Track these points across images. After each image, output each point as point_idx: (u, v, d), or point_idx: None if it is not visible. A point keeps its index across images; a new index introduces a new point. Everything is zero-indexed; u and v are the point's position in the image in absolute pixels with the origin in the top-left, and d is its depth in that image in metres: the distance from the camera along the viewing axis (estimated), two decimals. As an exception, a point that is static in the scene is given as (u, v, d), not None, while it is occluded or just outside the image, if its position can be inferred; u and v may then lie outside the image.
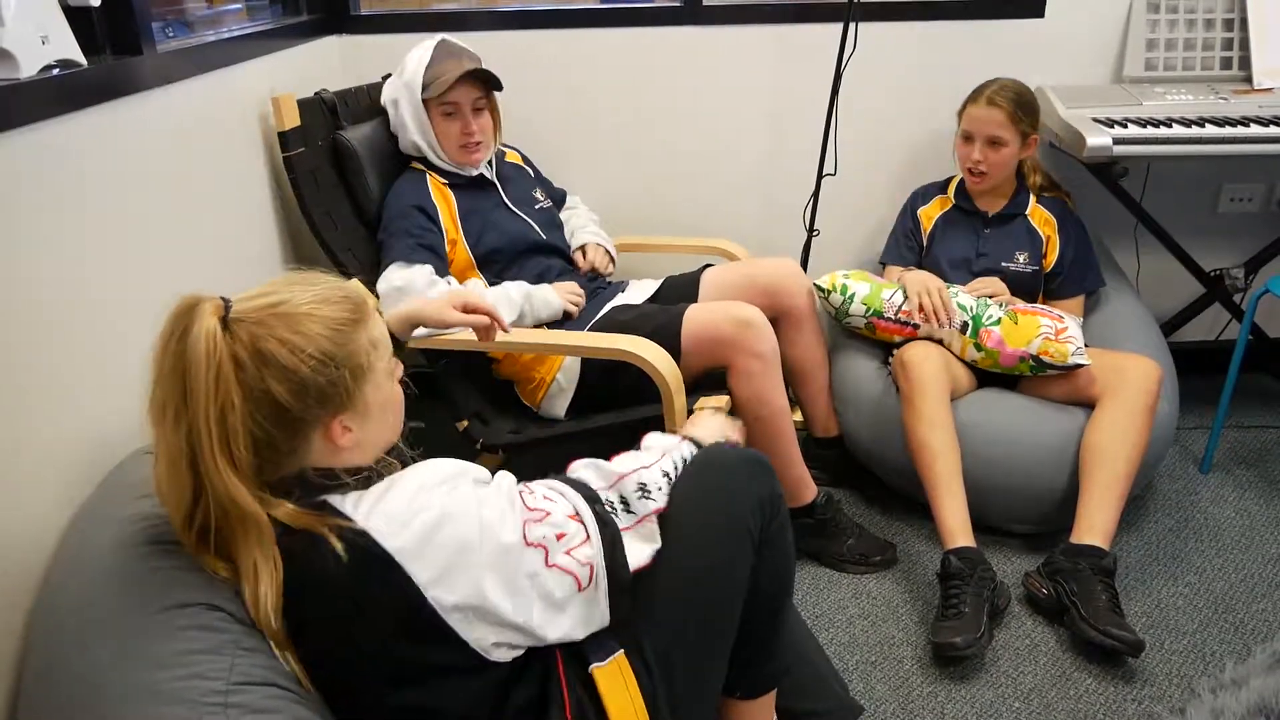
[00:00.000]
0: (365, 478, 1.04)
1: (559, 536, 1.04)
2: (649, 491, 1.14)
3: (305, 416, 0.99)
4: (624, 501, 1.13)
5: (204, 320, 0.94)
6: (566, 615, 1.06)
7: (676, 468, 1.20)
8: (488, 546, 0.99)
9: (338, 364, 1.00)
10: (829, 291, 2.17)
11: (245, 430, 0.96)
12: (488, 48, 2.05)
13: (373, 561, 0.96)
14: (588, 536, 1.06)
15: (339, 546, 0.95)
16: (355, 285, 1.08)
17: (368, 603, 0.97)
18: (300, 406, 0.98)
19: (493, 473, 1.11)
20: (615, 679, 1.09)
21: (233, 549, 0.98)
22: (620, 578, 1.08)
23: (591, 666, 1.10)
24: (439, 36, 2.02)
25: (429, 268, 1.87)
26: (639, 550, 1.11)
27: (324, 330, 0.99)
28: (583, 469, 1.16)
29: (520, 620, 1.02)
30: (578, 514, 1.07)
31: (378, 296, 1.86)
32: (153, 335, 1.34)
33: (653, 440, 1.25)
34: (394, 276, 1.84)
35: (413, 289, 1.82)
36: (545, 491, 1.09)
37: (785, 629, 1.33)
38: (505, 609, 1.00)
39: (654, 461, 1.18)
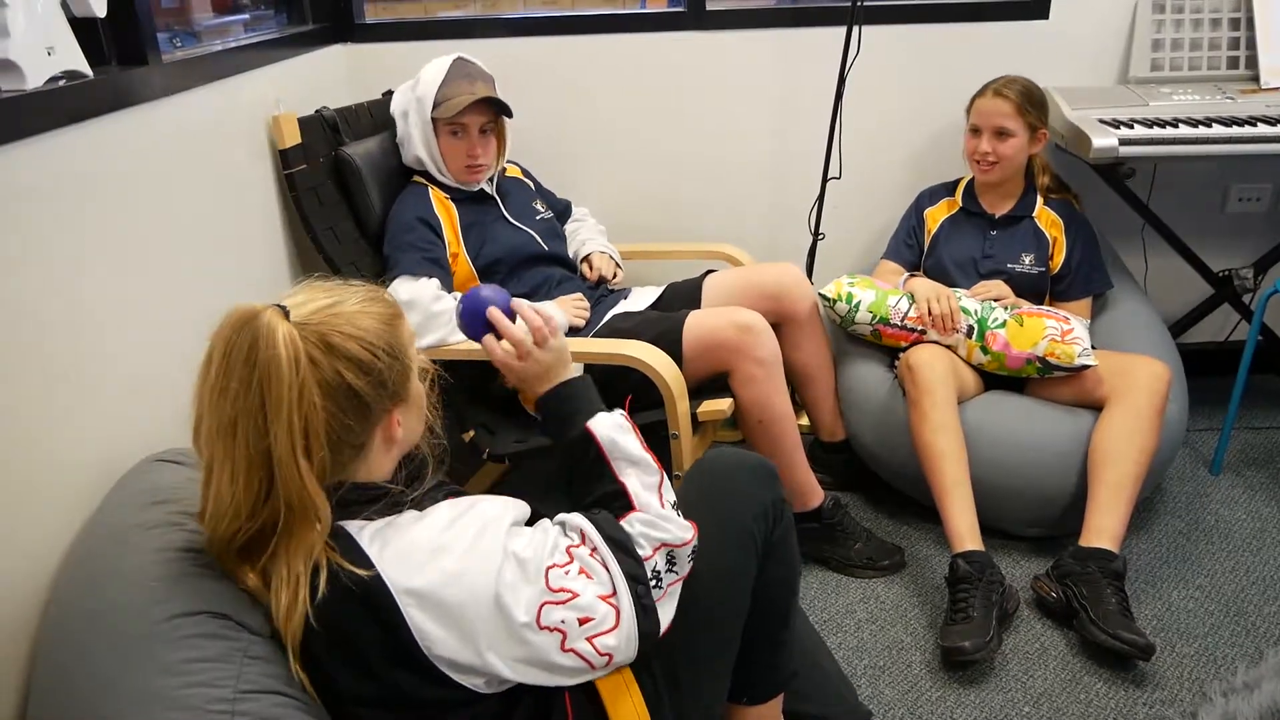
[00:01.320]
0: (396, 499, 1.04)
1: (582, 621, 1.00)
2: (695, 551, 1.11)
3: (376, 408, 1.01)
4: (670, 561, 1.08)
5: (279, 326, 0.94)
6: (566, 680, 1.04)
7: (674, 500, 1.14)
8: (496, 617, 0.97)
9: (399, 355, 1.03)
10: (834, 300, 2.17)
11: (326, 428, 0.97)
12: (491, 55, 2.06)
13: (368, 601, 0.95)
14: (616, 624, 1.02)
15: (323, 582, 0.95)
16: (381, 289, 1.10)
17: (358, 638, 0.97)
18: (375, 396, 1.00)
19: (499, 481, 1.10)
20: (618, 688, 1.09)
21: (280, 556, 0.96)
22: (643, 654, 1.06)
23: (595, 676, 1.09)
24: (455, 54, 2.02)
25: (435, 281, 1.87)
26: (668, 613, 1.08)
27: (380, 325, 1.02)
28: (639, 525, 1.07)
29: (515, 679, 1.01)
30: (614, 594, 1.02)
31: None
32: (157, 347, 1.36)
33: (630, 469, 1.12)
34: (400, 290, 1.84)
35: (419, 303, 1.83)
36: (585, 561, 1.03)
37: (791, 634, 1.33)
38: (502, 672, 0.99)
39: (680, 512, 1.12)
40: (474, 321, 1.20)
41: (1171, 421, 2.00)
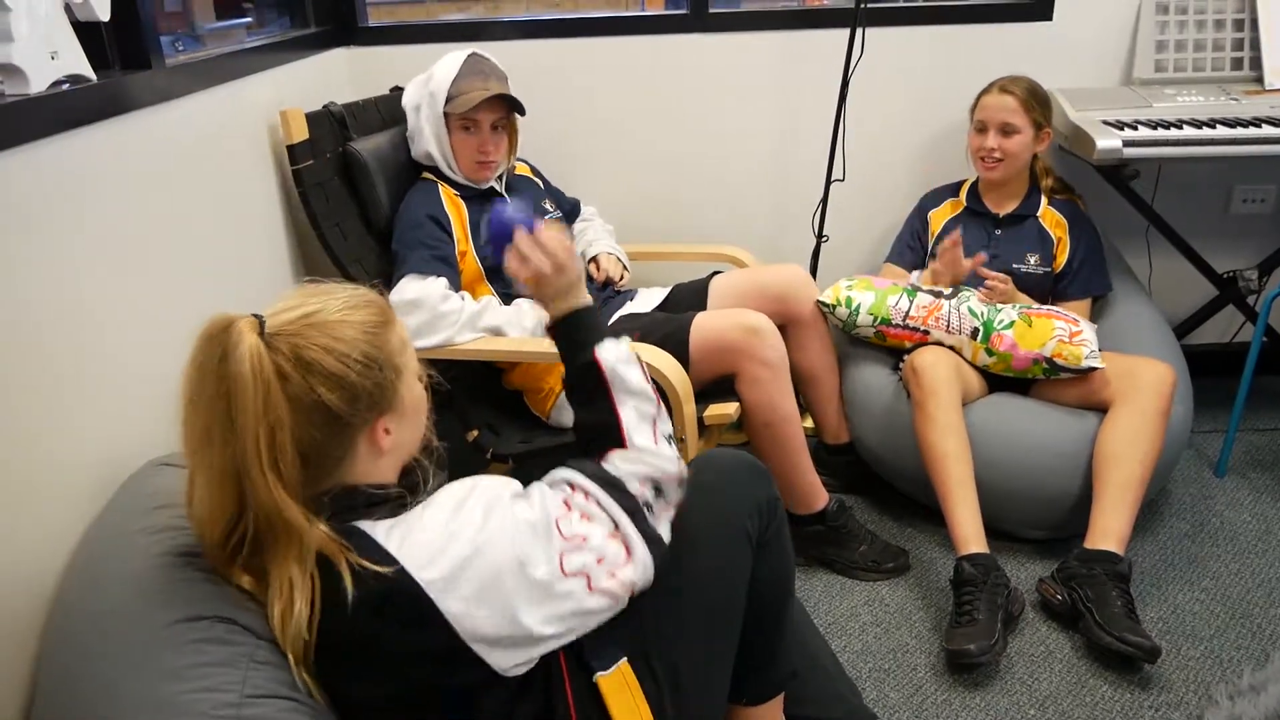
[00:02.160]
0: (400, 500, 1.04)
1: (599, 560, 1.03)
2: (683, 481, 1.14)
3: (354, 421, 1.00)
4: (658, 490, 1.11)
5: (246, 339, 0.93)
6: (598, 622, 1.06)
7: (670, 435, 1.17)
8: (522, 581, 0.99)
9: (380, 366, 1.01)
10: (834, 306, 2.15)
11: (295, 444, 0.96)
12: (495, 57, 2.05)
13: (396, 598, 0.95)
14: (629, 556, 1.05)
15: (349, 583, 0.95)
16: (373, 290, 1.08)
17: (385, 637, 0.97)
18: (350, 411, 0.99)
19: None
20: (620, 687, 1.09)
21: (270, 565, 0.97)
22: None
23: (596, 675, 1.09)
24: (470, 48, 2.01)
25: (444, 280, 1.87)
26: (666, 530, 1.12)
27: (360, 334, 1.00)
28: (620, 462, 1.11)
29: (550, 633, 1.02)
30: (618, 530, 1.06)
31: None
32: (160, 350, 1.36)
33: (629, 397, 1.15)
34: (408, 289, 1.84)
35: (426, 302, 1.82)
36: (584, 507, 1.06)
37: (788, 632, 1.33)
38: (540, 631, 1.00)
39: (670, 448, 1.14)
40: (500, 238, 1.23)
41: (1176, 423, 1.99)
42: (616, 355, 1.16)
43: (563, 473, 1.10)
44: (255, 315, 0.97)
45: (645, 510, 1.09)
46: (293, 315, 0.99)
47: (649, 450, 1.11)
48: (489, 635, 0.98)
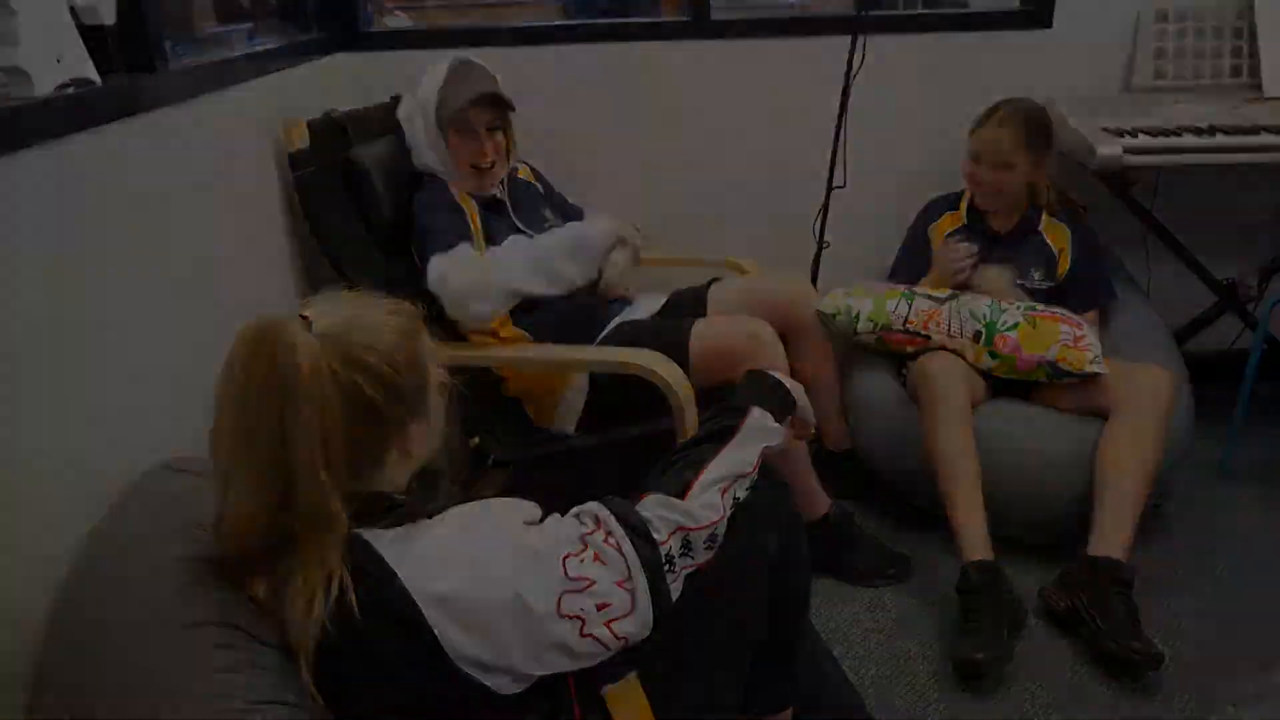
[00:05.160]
0: (406, 508, 1.04)
1: (600, 607, 1.00)
2: (715, 540, 1.11)
3: (393, 422, 1.02)
4: (686, 546, 1.07)
5: (301, 336, 0.95)
6: (585, 664, 1.05)
7: (738, 498, 1.15)
8: (516, 614, 0.97)
9: (417, 370, 1.04)
10: (835, 315, 2.13)
11: (345, 440, 0.97)
12: (498, 63, 2.05)
13: (389, 609, 0.95)
14: (632, 610, 1.02)
15: (347, 593, 0.94)
16: (407, 303, 1.09)
17: (376, 645, 0.97)
18: (393, 411, 1.01)
19: (504, 488, 1.10)
20: (627, 700, 1.08)
21: (298, 565, 0.96)
22: (652, 667, 1.09)
23: (604, 688, 1.08)
24: (452, 54, 2.01)
25: (466, 244, 1.88)
26: (676, 591, 1.08)
27: (400, 339, 1.03)
28: (655, 507, 1.07)
29: (536, 673, 1.01)
30: (629, 578, 1.02)
31: (432, 296, 1.88)
32: (165, 353, 1.36)
33: (737, 451, 1.16)
34: (439, 265, 1.85)
35: (461, 260, 1.84)
36: (599, 548, 1.02)
37: (803, 646, 1.32)
38: (525, 666, 1.00)
39: (727, 506, 1.12)
40: None
41: (1177, 429, 1.99)
42: (762, 426, 1.20)
43: (592, 506, 1.08)
44: (301, 315, 0.98)
45: (666, 566, 1.05)
46: (337, 317, 1.00)
47: (695, 504, 1.09)
48: (477, 659, 0.97)
